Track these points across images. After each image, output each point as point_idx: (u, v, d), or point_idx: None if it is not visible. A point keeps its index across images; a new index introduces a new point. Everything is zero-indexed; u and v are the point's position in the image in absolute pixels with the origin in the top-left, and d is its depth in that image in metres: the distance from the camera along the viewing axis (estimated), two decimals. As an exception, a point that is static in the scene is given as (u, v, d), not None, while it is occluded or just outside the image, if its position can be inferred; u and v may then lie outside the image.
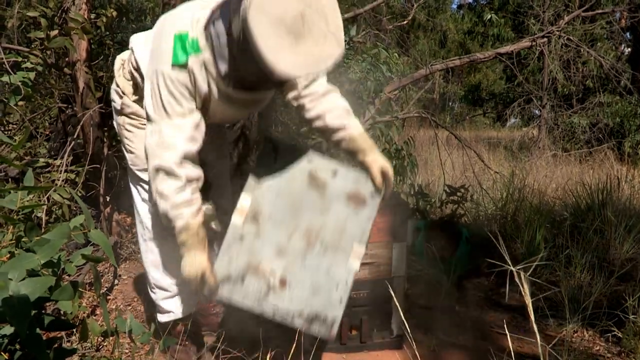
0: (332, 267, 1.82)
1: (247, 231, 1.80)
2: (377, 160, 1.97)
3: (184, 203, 1.83)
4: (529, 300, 0.95)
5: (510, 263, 0.99)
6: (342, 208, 1.86)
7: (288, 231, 1.82)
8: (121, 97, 2.13)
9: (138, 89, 2.09)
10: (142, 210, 2.19)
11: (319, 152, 1.98)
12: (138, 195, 2.19)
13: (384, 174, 1.96)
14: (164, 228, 2.07)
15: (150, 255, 2.20)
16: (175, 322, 2.28)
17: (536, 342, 2.64)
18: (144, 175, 2.12)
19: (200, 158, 2.09)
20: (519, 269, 0.99)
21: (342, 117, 2.05)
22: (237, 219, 1.80)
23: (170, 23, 1.81)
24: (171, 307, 2.24)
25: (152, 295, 2.26)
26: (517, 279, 0.99)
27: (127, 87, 2.11)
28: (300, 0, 1.59)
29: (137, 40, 2.06)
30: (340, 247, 1.84)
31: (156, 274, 2.21)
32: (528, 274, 1.00)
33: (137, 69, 2.03)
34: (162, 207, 1.82)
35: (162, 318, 2.27)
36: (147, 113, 1.84)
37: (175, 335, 2.28)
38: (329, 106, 2.06)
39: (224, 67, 1.78)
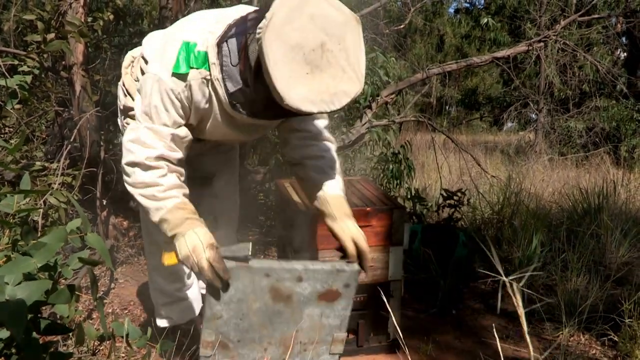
0: (314, 359, 1.75)
1: (220, 359, 1.68)
2: (347, 229, 1.80)
3: (174, 186, 1.73)
4: (522, 312, 0.95)
5: (502, 273, 0.99)
6: (314, 309, 1.70)
7: (262, 346, 1.70)
8: (125, 97, 2.07)
9: None
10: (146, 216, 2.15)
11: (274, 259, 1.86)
12: None
13: (356, 244, 1.78)
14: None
15: (152, 259, 2.19)
16: (174, 327, 2.27)
17: (533, 347, 2.65)
18: None
19: (205, 169, 2.07)
20: (512, 279, 0.98)
21: (323, 173, 1.89)
22: (205, 352, 1.65)
23: (180, 29, 1.75)
24: (171, 314, 2.24)
25: (153, 298, 2.26)
26: (509, 290, 0.99)
27: (133, 87, 2.03)
28: (322, 30, 1.49)
29: (150, 39, 2.00)
30: (321, 340, 1.74)
31: (158, 278, 2.20)
32: (521, 284, 0.99)
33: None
34: (148, 194, 1.70)
35: (160, 323, 2.26)
36: (134, 109, 1.79)
37: (172, 339, 2.27)
38: (315, 153, 1.92)
39: (232, 89, 1.67)
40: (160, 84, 1.68)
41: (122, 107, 2.09)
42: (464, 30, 17.62)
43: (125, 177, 1.75)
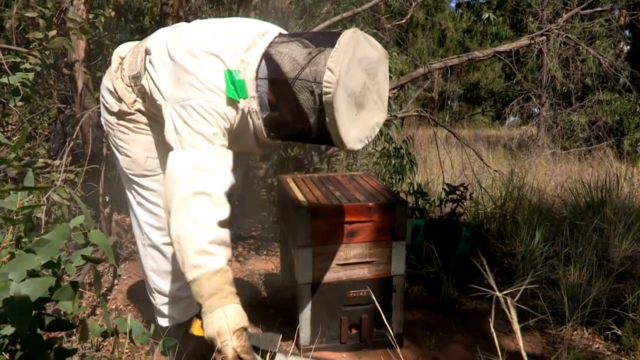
0: None
1: None
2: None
3: (225, 242, 1.62)
4: (516, 327, 0.94)
5: (495, 288, 0.98)
6: None
7: None
8: (119, 102, 1.99)
9: (146, 97, 1.94)
10: (140, 215, 2.11)
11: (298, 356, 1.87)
12: (134, 200, 2.12)
13: None
14: (164, 233, 2.04)
15: (150, 261, 2.16)
16: (176, 325, 2.26)
17: (537, 341, 2.65)
18: (140, 180, 2.06)
19: None
20: (505, 295, 0.97)
21: None
22: None
23: (209, 43, 1.71)
24: (172, 313, 2.22)
25: (152, 300, 2.24)
26: (503, 305, 0.98)
27: (127, 94, 1.97)
28: (365, 71, 1.60)
29: (156, 46, 1.89)
30: None
31: (157, 279, 2.17)
32: (516, 298, 0.98)
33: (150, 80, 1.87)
34: (195, 238, 1.56)
35: (162, 322, 2.25)
36: (180, 137, 1.68)
37: (176, 337, 2.26)
38: None
39: (268, 118, 1.72)
40: (213, 107, 1.67)
41: (113, 110, 2.01)
42: (466, 24, 17.57)
43: (178, 214, 1.60)
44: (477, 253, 3.35)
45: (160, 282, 2.17)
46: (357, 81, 1.59)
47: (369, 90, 1.65)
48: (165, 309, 2.21)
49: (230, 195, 1.70)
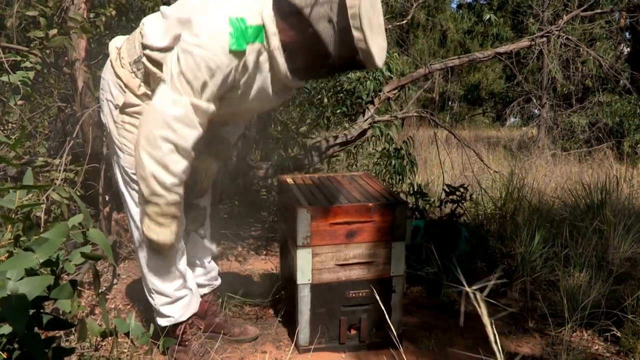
0: None
1: None
2: None
3: (182, 182, 1.89)
4: (487, 321, 0.94)
5: (465, 284, 0.98)
6: None
7: None
8: (124, 92, 2.00)
9: (149, 78, 1.97)
10: (139, 218, 2.10)
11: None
12: (131, 200, 2.11)
13: None
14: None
15: (149, 261, 2.15)
16: (175, 325, 2.27)
17: (536, 343, 2.65)
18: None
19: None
20: (475, 289, 0.97)
21: None
22: None
23: (215, 5, 1.77)
24: (171, 312, 2.23)
25: (151, 300, 2.23)
26: (473, 300, 0.98)
27: (131, 80, 1.99)
28: None
29: (156, 24, 1.95)
30: None
31: (155, 280, 2.17)
32: (485, 293, 0.98)
33: (148, 49, 1.93)
34: (162, 179, 1.82)
35: (162, 322, 2.25)
36: (172, 77, 1.78)
37: (175, 336, 2.27)
38: None
39: (291, 52, 1.82)
40: (211, 61, 1.73)
41: (118, 104, 2.02)
42: (467, 25, 17.58)
43: (145, 146, 1.80)
44: (476, 254, 3.36)
45: (158, 282, 2.17)
46: (366, 2, 1.69)
47: (374, 14, 1.75)
48: (164, 309, 2.22)
49: (196, 145, 1.87)
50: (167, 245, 1.98)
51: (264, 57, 1.84)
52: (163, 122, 1.77)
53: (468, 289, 0.95)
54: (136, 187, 2.04)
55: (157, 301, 2.21)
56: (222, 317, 2.56)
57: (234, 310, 2.80)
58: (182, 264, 2.20)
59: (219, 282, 2.58)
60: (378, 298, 2.40)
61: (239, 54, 1.75)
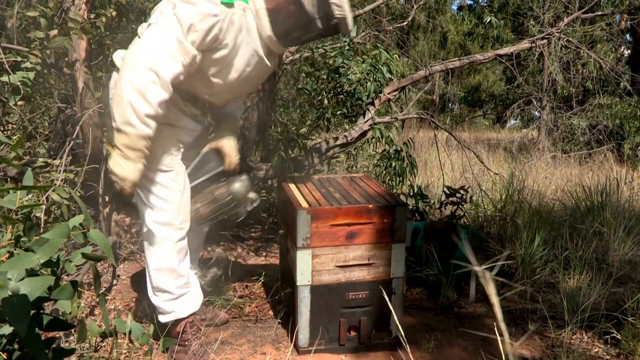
0: None
1: None
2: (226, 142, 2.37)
3: (159, 117, 1.92)
4: (495, 300, 0.94)
5: (475, 262, 0.98)
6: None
7: None
8: None
9: None
10: (148, 215, 2.18)
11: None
12: (145, 199, 2.18)
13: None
14: (169, 230, 2.16)
15: (154, 260, 2.21)
16: (175, 322, 2.29)
17: (536, 345, 2.65)
18: (153, 175, 2.13)
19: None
20: (484, 268, 0.98)
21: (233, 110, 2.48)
22: None
23: None
24: (173, 308, 2.27)
25: (154, 298, 2.27)
26: (481, 279, 0.98)
27: None
28: None
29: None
30: None
31: (159, 278, 2.22)
32: (493, 272, 0.99)
33: None
34: (138, 107, 1.86)
35: (163, 319, 2.29)
36: (163, 19, 1.89)
37: (175, 336, 2.29)
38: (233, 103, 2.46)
39: (273, 13, 1.99)
40: (202, 6, 1.87)
41: None
42: (467, 27, 17.59)
43: (128, 72, 1.87)
44: (476, 256, 3.36)
45: (162, 281, 2.22)
46: None
47: None
48: (166, 306, 2.26)
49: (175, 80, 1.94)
50: (128, 182, 1.97)
51: (250, 18, 1.99)
52: (149, 53, 1.86)
53: (477, 268, 0.96)
54: (149, 186, 2.14)
55: (159, 299, 2.26)
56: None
57: (233, 311, 2.81)
58: (186, 263, 2.27)
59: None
60: (378, 300, 2.41)
61: (228, 6, 1.91)
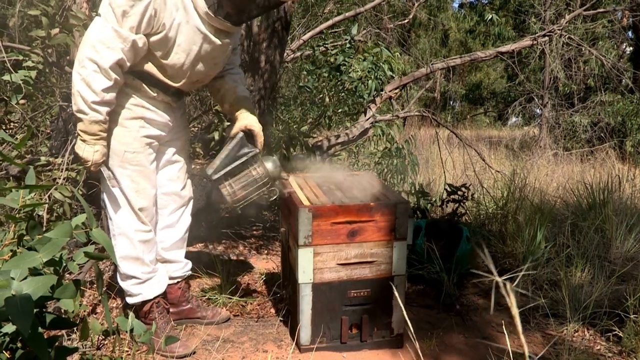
0: None
1: None
2: (247, 119, 2.35)
3: (108, 102, 2.04)
4: (515, 312, 0.94)
5: (495, 273, 0.98)
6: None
7: None
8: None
9: None
10: (112, 207, 2.29)
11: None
12: (110, 193, 2.27)
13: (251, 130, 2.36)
14: (132, 227, 2.29)
15: (120, 249, 2.31)
16: (143, 303, 2.42)
17: (537, 342, 2.65)
18: (118, 171, 2.23)
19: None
20: (505, 279, 0.98)
21: (237, 82, 2.46)
22: None
23: None
24: (140, 290, 2.39)
25: (122, 283, 2.40)
26: (502, 291, 0.98)
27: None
28: None
29: None
30: None
31: (126, 266, 2.33)
32: (515, 283, 0.99)
33: None
34: (86, 96, 1.98)
35: (131, 300, 2.41)
36: (103, 11, 1.97)
37: (142, 315, 2.42)
38: (233, 71, 2.48)
39: None
40: None
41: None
42: (468, 25, 17.57)
43: (76, 65, 1.99)
44: (477, 253, 3.36)
45: (129, 267, 2.34)
46: None
47: None
48: (134, 289, 2.38)
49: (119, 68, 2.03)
50: (89, 163, 2.11)
51: None
52: (90, 44, 1.97)
53: (498, 279, 0.96)
54: (105, 173, 2.24)
55: (127, 283, 2.38)
56: (194, 303, 2.71)
57: (235, 309, 2.81)
58: (151, 254, 2.39)
59: (189, 271, 2.71)
60: (379, 297, 2.41)
61: None
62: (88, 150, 2.09)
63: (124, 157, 2.20)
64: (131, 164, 2.22)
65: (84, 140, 2.08)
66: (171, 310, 2.61)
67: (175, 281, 2.62)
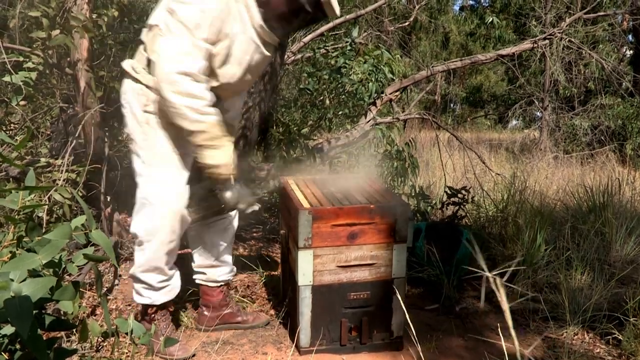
0: None
1: None
2: None
3: (212, 102, 2.06)
4: (506, 307, 0.94)
5: (486, 269, 0.99)
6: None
7: None
8: (146, 92, 2.15)
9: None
10: (155, 212, 2.25)
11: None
12: (144, 192, 2.26)
13: None
14: (167, 238, 2.24)
15: (141, 258, 2.30)
16: (150, 305, 2.41)
17: (537, 346, 2.65)
18: (156, 172, 2.22)
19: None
20: (495, 274, 0.98)
21: None
22: None
23: None
24: (150, 295, 2.38)
25: (134, 283, 2.39)
26: (492, 286, 0.99)
27: (147, 77, 2.15)
28: None
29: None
30: None
31: (145, 275, 2.32)
32: (504, 278, 0.99)
33: None
34: (194, 106, 1.99)
35: (138, 299, 2.41)
36: (167, 27, 1.98)
37: (146, 315, 2.41)
38: None
39: (262, 3, 2.05)
40: (202, 3, 1.96)
41: (143, 103, 2.17)
42: (469, 27, 17.57)
43: (167, 86, 1.97)
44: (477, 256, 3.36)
45: (147, 276, 2.33)
46: None
47: None
48: (145, 292, 2.37)
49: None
50: (223, 167, 2.13)
51: (242, 7, 2.05)
52: (170, 61, 1.97)
53: (488, 274, 0.96)
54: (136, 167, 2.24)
55: (139, 285, 2.36)
56: (235, 308, 2.68)
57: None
58: (170, 264, 2.36)
59: (234, 275, 2.73)
60: (379, 300, 2.41)
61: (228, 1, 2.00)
62: (219, 155, 2.11)
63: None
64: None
65: (213, 148, 2.09)
66: (211, 314, 2.62)
67: (218, 284, 2.62)
